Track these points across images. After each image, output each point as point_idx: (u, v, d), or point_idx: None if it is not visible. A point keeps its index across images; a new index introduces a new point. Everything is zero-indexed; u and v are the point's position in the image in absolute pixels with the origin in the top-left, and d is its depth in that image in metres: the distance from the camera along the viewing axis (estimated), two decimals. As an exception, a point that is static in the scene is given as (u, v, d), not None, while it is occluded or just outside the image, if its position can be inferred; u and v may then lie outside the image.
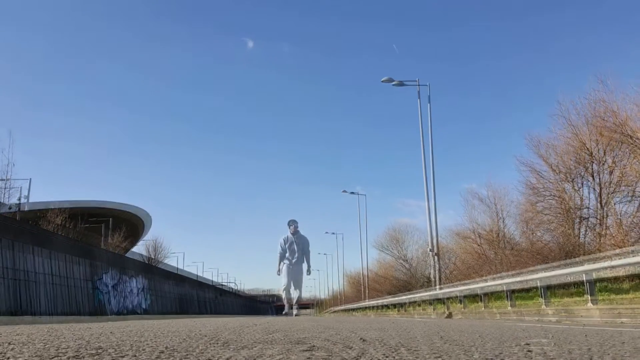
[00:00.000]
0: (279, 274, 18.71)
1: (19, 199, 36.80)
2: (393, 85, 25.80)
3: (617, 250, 11.37)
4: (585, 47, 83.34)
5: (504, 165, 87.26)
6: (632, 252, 9.63)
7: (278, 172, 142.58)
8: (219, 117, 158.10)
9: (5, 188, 35.10)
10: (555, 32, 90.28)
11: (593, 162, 21.94)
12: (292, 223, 17.39)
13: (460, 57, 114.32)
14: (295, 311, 16.01)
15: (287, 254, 16.32)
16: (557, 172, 23.63)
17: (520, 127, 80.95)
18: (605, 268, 10.86)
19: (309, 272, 17.15)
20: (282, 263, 18.07)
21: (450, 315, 18.31)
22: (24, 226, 15.87)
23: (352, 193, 49.47)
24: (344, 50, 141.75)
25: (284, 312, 17.41)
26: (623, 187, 20.95)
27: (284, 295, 17.72)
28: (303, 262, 17.77)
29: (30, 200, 39.23)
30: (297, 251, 17.44)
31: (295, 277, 17.70)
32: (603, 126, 20.43)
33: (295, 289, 17.15)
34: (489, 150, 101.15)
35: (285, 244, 18.77)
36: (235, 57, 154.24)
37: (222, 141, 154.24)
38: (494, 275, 19.64)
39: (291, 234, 17.34)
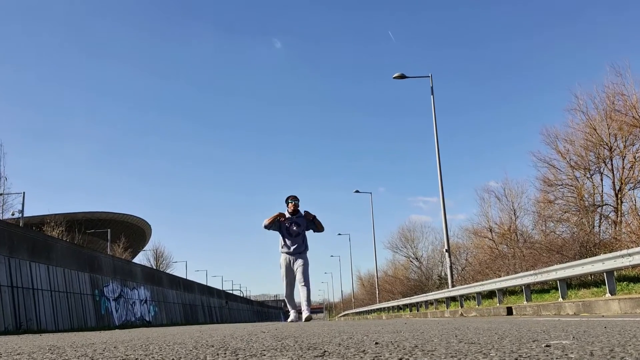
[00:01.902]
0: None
1: (13, 214, 36.93)
2: (397, 78, 25.65)
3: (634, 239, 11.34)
4: (593, 27, 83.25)
5: (519, 157, 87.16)
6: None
7: (284, 171, 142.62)
8: (221, 115, 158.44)
9: (-1, 203, 35.24)
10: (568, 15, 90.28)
11: (613, 158, 21.91)
12: (292, 200, 12.23)
13: (469, 43, 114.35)
14: (305, 313, 11.81)
15: (287, 241, 11.98)
16: (577, 167, 23.62)
17: (534, 113, 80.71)
18: (623, 256, 10.85)
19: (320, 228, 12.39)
20: (280, 254, 12.41)
21: (465, 314, 18.30)
22: (26, 233, 15.94)
23: (360, 192, 48.98)
24: (343, 41, 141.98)
25: (289, 320, 12.07)
26: (637, 173, 20.94)
27: (288, 302, 12.53)
28: (306, 249, 12.37)
29: (25, 215, 39.40)
30: (299, 236, 12.20)
31: (299, 271, 12.06)
32: (623, 120, 20.44)
33: (301, 285, 12.07)
34: (506, 139, 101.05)
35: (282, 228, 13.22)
36: (244, 56, 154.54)
37: (222, 138, 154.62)
38: (512, 276, 19.64)
39: (290, 213, 12.18)
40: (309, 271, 12.03)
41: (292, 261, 11.80)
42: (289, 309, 12.14)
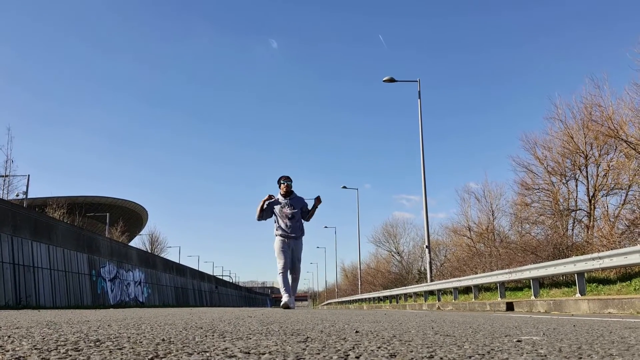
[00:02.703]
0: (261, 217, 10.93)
1: (17, 195, 36.73)
2: (387, 82, 25.67)
3: (606, 244, 11.42)
4: (575, 41, 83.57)
5: (499, 160, 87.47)
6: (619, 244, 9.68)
7: (276, 165, 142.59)
8: (217, 110, 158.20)
9: (4, 185, 35.05)
10: (548, 26, 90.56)
11: (588, 165, 22.06)
12: (284, 181, 10.86)
13: (457, 50, 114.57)
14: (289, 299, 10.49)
15: (281, 223, 10.58)
16: (553, 173, 23.76)
17: (515, 119, 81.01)
18: (594, 259, 10.91)
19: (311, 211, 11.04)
20: (275, 237, 10.91)
21: (441, 307, 18.36)
22: (29, 213, 15.87)
23: (347, 187, 48.88)
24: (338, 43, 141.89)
25: (282, 304, 10.42)
26: (610, 180, 21.08)
27: (281, 280, 10.71)
28: (302, 234, 11.00)
29: (29, 196, 39.18)
30: (293, 218, 10.82)
31: (294, 256, 10.94)
32: (599, 130, 20.57)
33: (292, 272, 10.82)
34: (487, 142, 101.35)
35: (271, 208, 11.38)
36: (242, 54, 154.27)
37: (218, 131, 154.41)
38: (488, 274, 19.75)
39: (282, 195, 10.85)
40: (301, 258, 10.82)
41: (288, 243, 10.47)
42: (282, 291, 10.42)
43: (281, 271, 10.39)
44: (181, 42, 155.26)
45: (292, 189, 10.77)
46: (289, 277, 10.48)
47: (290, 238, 10.45)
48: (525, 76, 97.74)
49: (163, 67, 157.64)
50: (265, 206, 10.46)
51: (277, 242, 10.50)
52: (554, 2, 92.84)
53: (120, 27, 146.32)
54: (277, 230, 10.55)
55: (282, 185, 10.65)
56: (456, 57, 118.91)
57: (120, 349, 1.65)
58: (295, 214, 10.51)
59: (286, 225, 10.44)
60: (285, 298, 10.33)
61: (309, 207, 10.76)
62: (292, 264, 10.48)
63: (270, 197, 10.42)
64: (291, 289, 10.40)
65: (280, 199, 10.59)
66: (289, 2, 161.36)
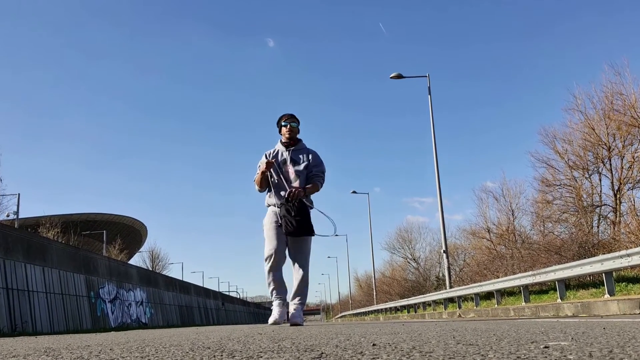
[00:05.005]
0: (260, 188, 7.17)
1: (8, 215, 36.93)
2: (394, 78, 25.65)
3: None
4: (592, 27, 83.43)
5: (516, 157, 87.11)
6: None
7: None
8: (215, 115, 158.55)
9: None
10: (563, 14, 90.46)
11: (611, 158, 21.99)
12: (288, 120, 7.15)
13: (467, 42, 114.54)
14: (296, 316, 6.98)
15: (277, 188, 7.03)
16: (575, 167, 23.70)
17: (532, 112, 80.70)
18: (622, 256, 10.86)
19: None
20: (267, 205, 7.18)
21: (462, 315, 18.31)
22: (21, 234, 15.91)
23: (357, 192, 48.72)
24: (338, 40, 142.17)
25: (270, 321, 6.99)
26: (635, 173, 21.01)
27: (269, 278, 6.94)
28: (310, 206, 7.02)
29: (21, 216, 39.39)
30: (298, 181, 7.01)
31: (295, 241, 6.94)
32: (621, 120, 20.51)
33: (295, 267, 7.02)
34: (504, 138, 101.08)
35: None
36: (237, 55, 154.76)
37: (217, 139, 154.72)
38: (510, 277, 19.66)
39: (283, 144, 7.21)
40: (309, 248, 6.99)
41: (284, 219, 6.74)
42: (273, 299, 6.99)
43: (269, 262, 6.83)
44: (175, 45, 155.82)
45: (299, 135, 7.30)
46: (295, 274, 6.99)
47: (287, 207, 6.77)
48: (541, 67, 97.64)
49: (155, 70, 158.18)
50: (267, 172, 6.92)
51: (269, 217, 7.02)
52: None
53: (110, 32, 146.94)
54: (269, 198, 7.09)
55: (283, 127, 7.13)
56: (466, 49, 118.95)
57: (124, 373, 1.66)
58: (300, 173, 6.98)
59: (281, 194, 6.90)
60: (276, 310, 6.95)
61: (323, 168, 7.14)
62: (295, 251, 6.91)
63: (269, 165, 6.83)
64: (300, 292, 6.93)
65: (280, 150, 7.13)
66: (284, 0, 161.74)
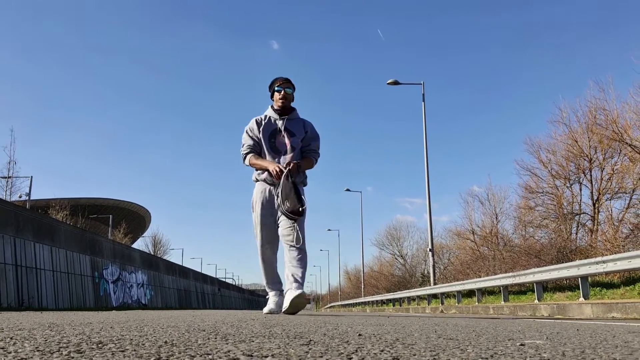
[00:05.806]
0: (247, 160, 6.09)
1: (20, 196, 36.87)
2: (390, 84, 25.63)
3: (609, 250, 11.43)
4: (580, 42, 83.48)
5: (502, 164, 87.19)
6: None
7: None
8: (219, 113, 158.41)
9: (7, 186, 35.17)
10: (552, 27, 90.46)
11: (592, 169, 22.09)
12: (282, 84, 6.06)
13: (461, 52, 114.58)
14: (294, 292, 5.43)
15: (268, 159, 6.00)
16: (557, 177, 23.78)
17: (519, 122, 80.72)
18: (598, 263, 10.88)
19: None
20: (256, 179, 6.12)
21: (445, 311, 18.33)
22: (32, 215, 15.86)
23: (351, 190, 48.67)
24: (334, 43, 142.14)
25: (265, 311, 5.97)
26: (614, 184, 21.08)
27: (264, 266, 6.09)
28: (304, 181, 6.12)
29: (32, 198, 39.29)
30: (292, 154, 6.00)
31: (287, 222, 5.83)
32: (603, 134, 20.59)
33: (293, 247, 5.73)
34: (491, 145, 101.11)
35: (257, 136, 6.11)
36: (242, 55, 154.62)
37: (219, 135, 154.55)
38: (491, 277, 19.72)
39: (276, 111, 6.12)
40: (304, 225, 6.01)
41: (275, 197, 5.94)
42: (267, 289, 6.20)
43: (263, 258, 6.12)
44: (181, 45, 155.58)
45: (294, 103, 6.30)
46: (288, 253, 5.81)
47: (278, 184, 5.86)
48: (530, 79, 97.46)
49: (163, 70, 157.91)
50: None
51: (258, 192, 6.10)
52: (558, 2, 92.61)
53: (120, 30, 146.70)
54: (258, 174, 6.13)
55: (276, 92, 6.17)
56: (460, 59, 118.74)
57: (122, 351, 1.65)
58: (294, 144, 6.07)
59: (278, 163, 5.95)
60: (272, 300, 6.08)
61: (318, 143, 6.31)
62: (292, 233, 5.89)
63: (278, 174, 5.77)
64: (300, 272, 5.70)
65: (273, 118, 6.18)
66: (289, 3, 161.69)
